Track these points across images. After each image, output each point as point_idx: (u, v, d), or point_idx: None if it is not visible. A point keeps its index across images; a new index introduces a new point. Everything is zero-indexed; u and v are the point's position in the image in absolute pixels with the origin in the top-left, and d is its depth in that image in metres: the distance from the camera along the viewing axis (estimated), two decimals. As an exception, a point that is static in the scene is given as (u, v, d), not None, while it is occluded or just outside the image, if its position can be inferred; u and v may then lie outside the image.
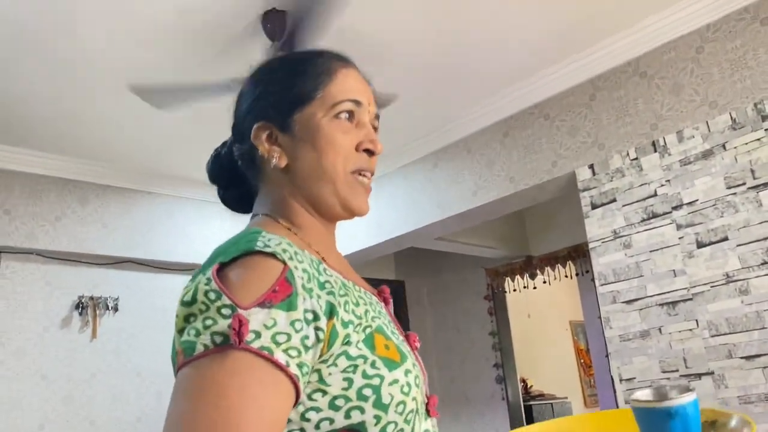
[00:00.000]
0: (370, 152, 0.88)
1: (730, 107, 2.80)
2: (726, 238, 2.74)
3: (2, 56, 2.82)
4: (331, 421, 0.67)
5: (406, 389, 0.71)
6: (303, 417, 0.67)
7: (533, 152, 3.52)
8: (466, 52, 3.17)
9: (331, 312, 0.69)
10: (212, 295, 0.65)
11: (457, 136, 3.92)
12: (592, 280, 4.18)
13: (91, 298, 3.94)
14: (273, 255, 0.68)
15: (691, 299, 2.82)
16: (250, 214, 0.90)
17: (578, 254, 5.00)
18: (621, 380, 3.01)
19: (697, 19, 2.91)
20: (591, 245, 3.21)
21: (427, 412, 0.77)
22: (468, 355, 5.75)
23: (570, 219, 4.79)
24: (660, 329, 2.90)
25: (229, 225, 4.37)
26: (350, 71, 0.89)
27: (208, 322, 0.64)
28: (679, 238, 2.88)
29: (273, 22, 2.65)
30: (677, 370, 2.82)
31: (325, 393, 0.68)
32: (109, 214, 4.07)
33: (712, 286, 2.76)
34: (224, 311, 0.64)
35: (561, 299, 7.13)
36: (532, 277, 5.42)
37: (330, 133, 0.84)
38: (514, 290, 5.57)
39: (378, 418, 0.68)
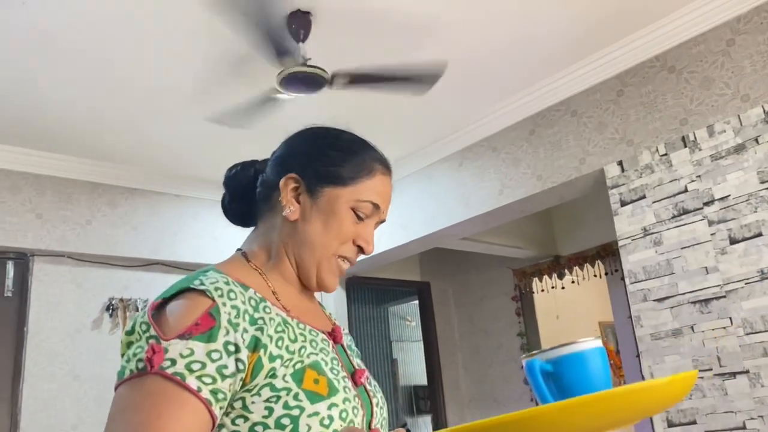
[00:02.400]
0: (360, 249, 0.98)
1: (763, 100, 2.74)
2: (760, 234, 2.68)
3: (33, 65, 2.88)
4: None
5: (326, 422, 0.78)
6: None
7: (560, 149, 3.48)
8: (492, 49, 3.15)
9: (256, 346, 0.79)
10: (144, 327, 0.78)
11: (483, 134, 3.89)
12: (622, 278, 4.12)
13: (121, 299, 4.00)
14: (204, 292, 0.79)
15: (724, 296, 2.76)
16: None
17: (607, 253, 4.93)
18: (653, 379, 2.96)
19: (727, 11, 2.85)
20: (620, 243, 3.16)
21: None
22: (496, 356, 5.70)
23: (598, 217, 4.72)
24: (692, 327, 2.84)
25: (255, 227, 4.39)
26: (386, 179, 0.99)
27: (138, 350, 0.76)
28: (711, 234, 2.82)
29: (298, 22, 2.66)
30: (711, 369, 2.76)
31: (246, 419, 0.77)
32: (138, 217, 4.13)
33: (746, 283, 2.70)
34: (151, 341, 0.75)
35: (590, 300, 7.03)
36: (561, 277, 5.35)
37: (343, 219, 0.94)
38: (542, 291, 5.51)
39: None
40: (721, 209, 2.81)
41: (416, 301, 6.22)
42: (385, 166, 1.00)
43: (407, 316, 8.08)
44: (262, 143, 3.94)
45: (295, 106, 3.16)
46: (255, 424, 0.76)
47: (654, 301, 2.99)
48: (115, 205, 4.06)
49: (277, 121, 3.11)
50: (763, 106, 2.73)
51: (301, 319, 0.90)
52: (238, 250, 0.99)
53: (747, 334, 2.67)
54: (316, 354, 0.86)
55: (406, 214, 4.35)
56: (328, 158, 0.96)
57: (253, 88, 2.98)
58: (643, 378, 4.15)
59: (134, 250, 4.05)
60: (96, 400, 3.77)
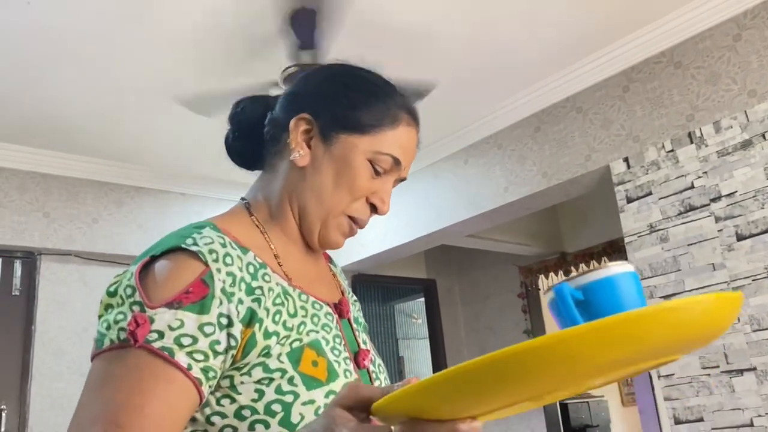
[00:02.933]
0: (374, 208, 0.85)
1: (770, 95, 2.72)
2: (767, 230, 2.67)
3: (39, 64, 2.89)
4: (234, 429, 0.67)
5: (321, 412, 0.67)
6: (208, 420, 0.68)
7: (566, 146, 3.47)
8: (496, 46, 3.15)
9: (251, 320, 0.69)
10: (129, 291, 0.67)
11: (488, 131, 3.88)
12: (628, 275, 4.10)
13: (128, 298, 4.01)
14: (196, 255, 0.69)
15: (731, 293, 2.74)
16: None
17: (613, 250, 4.91)
18: (660, 377, 2.95)
19: (733, 6, 2.83)
20: (627, 240, 3.15)
21: None
22: (502, 353, 5.70)
23: (604, 214, 4.71)
24: (699, 324, 2.83)
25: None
26: (412, 131, 0.87)
27: (119, 316, 0.66)
28: (718, 230, 2.81)
29: (302, 21, 2.66)
30: (718, 366, 2.75)
31: (233, 400, 0.68)
32: (144, 216, 4.14)
33: (753, 280, 2.68)
34: (134, 308, 0.66)
35: (596, 297, 7.01)
36: (567, 274, 5.34)
37: (358, 171, 0.81)
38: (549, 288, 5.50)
39: None
40: (728, 205, 2.79)
41: (422, 299, 6.22)
42: (413, 116, 0.87)
43: (413, 313, 8.09)
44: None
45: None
46: (242, 407, 0.68)
47: (661, 297, 2.97)
48: (121, 204, 4.07)
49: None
50: (770, 102, 2.71)
51: (304, 289, 0.80)
52: (242, 199, 0.88)
53: (754, 330, 2.66)
54: (317, 331, 0.76)
55: (412, 212, 4.35)
56: (348, 100, 0.83)
57: (257, 85, 2.99)
58: (650, 379, 4.14)
59: (140, 248, 3.96)
60: (103, 398, 3.78)
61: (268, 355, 0.70)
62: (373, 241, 4.65)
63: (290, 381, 0.69)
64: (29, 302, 3.69)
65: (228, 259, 0.71)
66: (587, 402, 6.62)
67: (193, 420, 0.69)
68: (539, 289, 5.57)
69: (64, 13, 2.58)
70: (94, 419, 0.61)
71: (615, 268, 0.61)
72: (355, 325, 0.86)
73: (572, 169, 3.43)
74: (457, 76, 3.38)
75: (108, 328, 0.67)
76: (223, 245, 0.72)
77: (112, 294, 0.69)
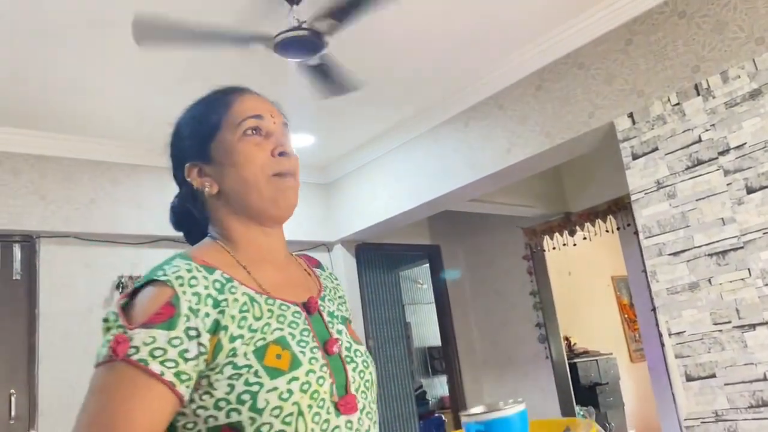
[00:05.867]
0: (284, 155, 0.98)
1: (779, 42, 2.63)
2: (778, 182, 2.60)
3: (30, 45, 2.80)
4: (215, 418, 0.83)
5: (285, 396, 0.83)
6: (194, 413, 0.84)
7: (568, 104, 3.39)
8: (492, 2, 3.04)
9: (216, 329, 0.85)
10: (113, 317, 0.85)
11: (488, 92, 3.79)
12: (635, 233, 4.06)
13: (131, 277, 3.98)
14: (165, 283, 0.85)
15: (742, 248, 2.69)
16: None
17: (619, 208, 4.86)
18: (670, 334, 2.92)
19: (739, -50, 2.72)
20: (633, 197, 3.09)
21: (338, 410, 0.88)
22: (509, 316, 5.69)
23: (609, 171, 4.64)
24: (710, 280, 2.79)
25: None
26: (245, 95, 1.02)
27: (109, 337, 0.83)
28: (727, 184, 2.75)
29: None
30: (730, 322, 2.72)
31: (211, 395, 0.83)
32: (142, 194, 4.08)
33: (764, 233, 2.63)
34: (119, 330, 0.83)
35: (602, 255, 6.99)
36: (572, 234, 5.30)
37: (243, 148, 0.97)
38: (554, 248, 5.46)
39: (253, 420, 0.82)
40: (737, 158, 2.72)
41: (427, 265, 6.20)
42: (237, 90, 1.03)
43: (418, 279, 8.08)
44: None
45: (298, 75, 3.08)
46: (218, 399, 0.83)
47: (669, 255, 2.93)
48: (118, 183, 4.01)
49: (280, 89, 3.03)
50: (779, 49, 2.62)
51: (272, 294, 0.94)
52: (210, 236, 1.03)
53: (766, 284, 2.61)
54: (282, 329, 0.90)
55: (413, 178, 4.29)
56: (191, 130, 1.02)
57: (252, 57, 2.90)
58: (659, 336, 4.11)
59: (140, 227, 4.01)
60: (112, 377, 3.78)
61: (234, 355, 0.85)
62: (376, 210, 4.59)
63: (255, 374, 0.84)
64: (31, 286, 3.66)
65: (193, 281, 0.87)
66: (596, 360, 6.64)
67: (183, 414, 0.84)
68: (544, 250, 5.53)
69: (44, -13, 2.48)
70: (89, 422, 0.79)
71: (509, 410, 0.87)
72: (327, 318, 0.99)
73: (575, 127, 3.35)
74: (453, 36, 3.28)
75: (103, 345, 0.83)
76: (189, 270, 0.88)
77: (106, 321, 0.86)
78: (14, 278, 3.63)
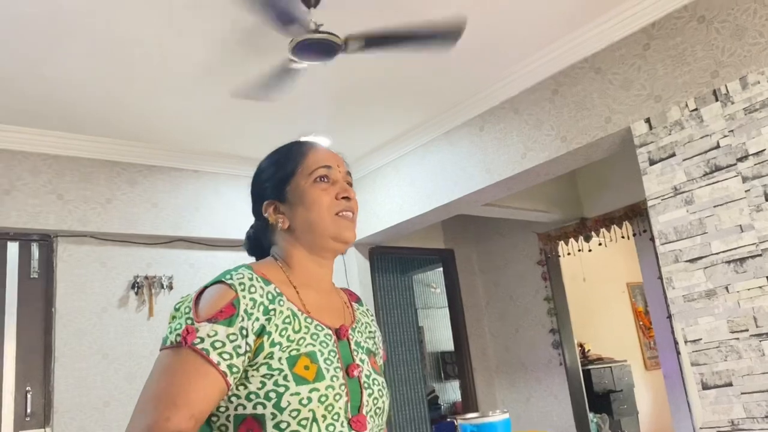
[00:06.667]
0: (346, 198, 1.16)
1: (800, 47, 2.60)
2: (798, 189, 2.57)
3: (47, 44, 2.83)
4: (244, 407, 0.97)
5: (305, 402, 0.97)
6: (228, 399, 0.98)
7: (585, 109, 3.37)
8: (510, 5, 3.03)
9: (261, 332, 1.00)
10: (186, 309, 1.00)
11: (504, 96, 3.78)
12: (651, 239, 4.02)
13: (146, 277, 4.01)
14: (230, 286, 1.01)
15: (760, 255, 2.66)
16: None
17: (635, 213, 4.82)
18: (686, 342, 2.89)
19: (760, -46, 2.70)
20: (650, 203, 3.06)
21: (350, 426, 1.02)
22: (522, 321, 5.66)
23: (625, 177, 4.60)
24: (727, 288, 2.76)
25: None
26: (318, 148, 1.21)
27: (178, 326, 0.98)
28: (746, 191, 2.72)
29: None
30: (747, 330, 2.68)
31: (246, 387, 0.98)
32: (158, 194, 4.11)
33: (783, 241, 2.59)
34: (188, 321, 0.97)
35: (617, 261, 6.94)
36: (587, 239, 5.26)
37: (312, 193, 1.15)
38: (568, 254, 5.42)
39: (274, 415, 0.96)
40: (755, 164, 2.69)
41: (441, 269, 6.18)
42: (308, 144, 1.21)
43: (432, 283, 8.06)
44: (279, 115, 3.88)
45: (312, 76, 3.08)
46: (250, 392, 0.97)
47: (686, 261, 2.90)
48: (135, 183, 4.04)
49: (295, 91, 3.04)
50: (800, 54, 2.59)
51: (312, 315, 1.08)
52: (271, 255, 1.20)
53: (785, 293, 2.58)
54: (314, 345, 1.04)
55: (428, 182, 4.28)
56: (271, 173, 1.19)
57: (266, 58, 2.91)
58: (675, 343, 4.07)
59: (155, 227, 4.04)
60: (126, 377, 3.80)
61: (271, 357, 0.99)
62: (390, 213, 4.59)
63: (285, 377, 0.98)
64: (48, 284, 3.70)
65: (252, 289, 1.02)
66: (610, 367, 6.58)
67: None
68: (559, 256, 5.49)
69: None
70: (153, 397, 0.92)
71: (495, 417, 1.13)
72: (354, 346, 1.13)
73: (592, 132, 3.33)
74: (469, 39, 3.27)
75: (171, 332, 0.98)
76: (251, 279, 1.03)
77: (177, 309, 1.02)
78: (32, 277, 3.67)
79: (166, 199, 4.13)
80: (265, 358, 0.99)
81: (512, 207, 4.82)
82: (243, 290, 1.00)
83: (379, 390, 1.11)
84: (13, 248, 3.65)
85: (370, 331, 1.25)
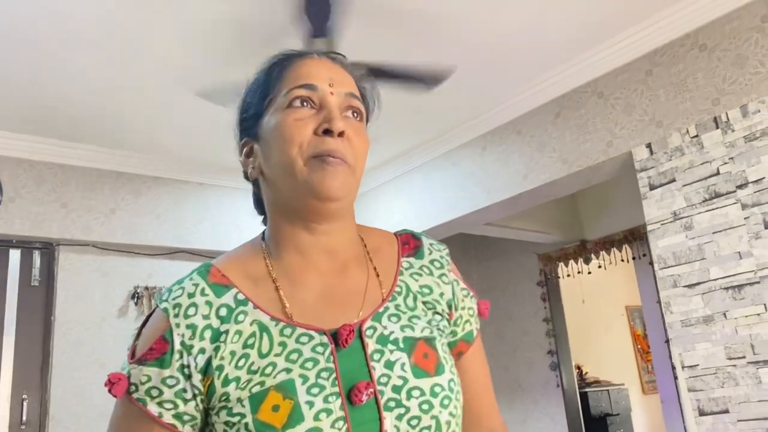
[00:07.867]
0: (328, 132, 0.78)
1: (800, 78, 2.63)
2: (797, 218, 2.59)
3: (54, 54, 2.87)
4: None
5: None
6: None
7: (587, 132, 3.40)
8: (514, 29, 3.08)
9: (207, 370, 0.74)
10: (130, 342, 0.79)
11: (507, 118, 3.82)
12: (650, 263, 4.03)
13: (146, 288, 4.02)
14: (164, 311, 0.76)
15: (758, 282, 2.67)
16: None
17: (635, 237, 4.84)
18: (683, 367, 2.89)
19: (762, -14, 2.74)
20: (649, 228, 3.08)
21: None
22: (521, 342, 5.66)
23: (626, 201, 4.63)
24: (725, 314, 2.77)
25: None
26: (305, 60, 0.84)
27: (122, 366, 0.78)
28: (745, 218, 2.74)
29: (315, 8, 2.61)
30: (744, 357, 2.69)
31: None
32: (162, 206, 4.14)
33: (781, 269, 2.61)
34: (124, 363, 0.77)
35: (616, 284, 6.94)
36: (587, 261, 5.27)
37: (281, 123, 0.79)
38: (568, 276, 5.44)
39: None
40: (755, 192, 2.72)
41: (440, 287, 6.17)
42: (297, 55, 0.85)
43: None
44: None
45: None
46: None
47: (684, 287, 2.91)
48: (139, 194, 4.07)
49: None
50: (800, 85, 2.62)
51: (295, 320, 0.77)
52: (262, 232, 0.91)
53: (782, 320, 2.59)
54: (291, 370, 0.73)
55: (429, 200, 4.31)
56: (245, 105, 0.88)
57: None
58: (672, 368, 4.07)
59: (158, 238, 4.06)
60: (123, 387, 3.80)
61: (228, 400, 0.73)
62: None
63: (245, 427, 0.71)
64: (48, 293, 3.71)
65: (191, 310, 0.76)
66: (607, 390, 6.56)
67: None
68: (559, 277, 5.50)
69: (78, 2, 2.55)
70: None
71: None
72: (375, 347, 0.77)
73: (593, 155, 3.36)
74: (474, 61, 3.31)
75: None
76: (191, 295, 0.77)
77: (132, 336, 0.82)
78: (32, 284, 3.68)
79: (170, 210, 4.16)
80: (220, 401, 0.73)
81: (513, 227, 4.84)
82: (176, 316, 0.75)
83: (423, 404, 0.74)
84: (14, 255, 3.67)
85: (434, 300, 0.86)
